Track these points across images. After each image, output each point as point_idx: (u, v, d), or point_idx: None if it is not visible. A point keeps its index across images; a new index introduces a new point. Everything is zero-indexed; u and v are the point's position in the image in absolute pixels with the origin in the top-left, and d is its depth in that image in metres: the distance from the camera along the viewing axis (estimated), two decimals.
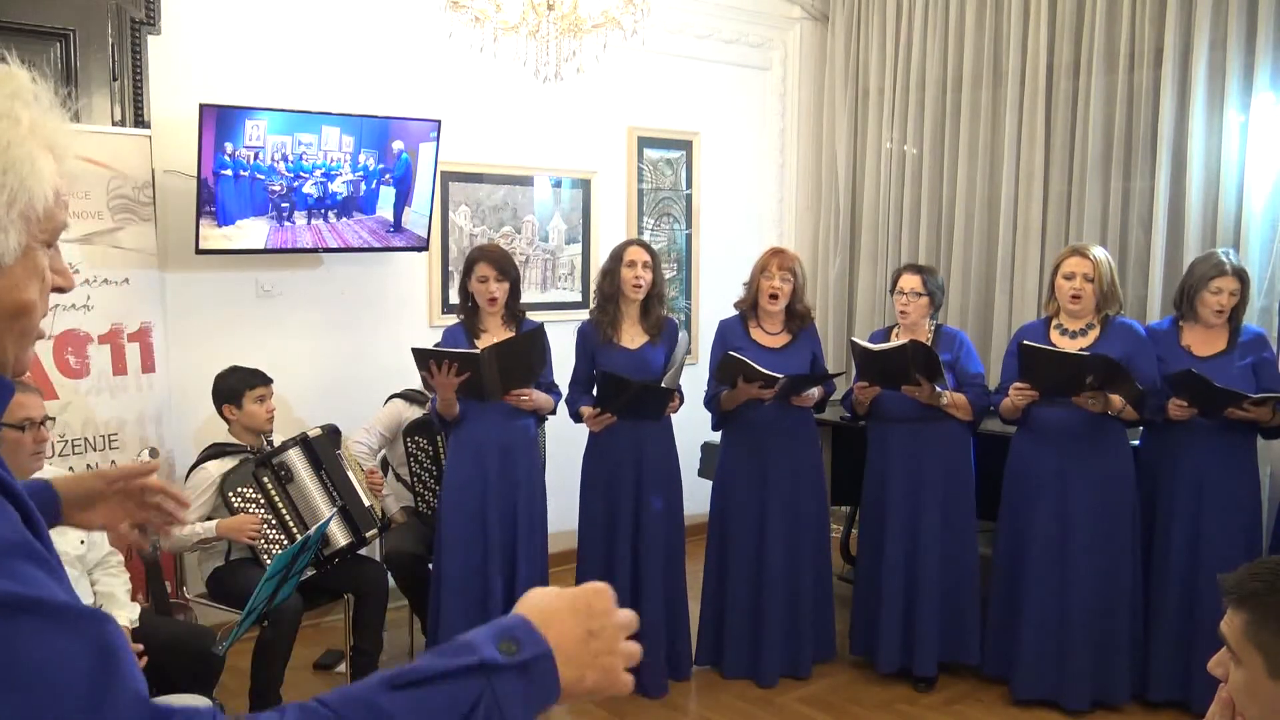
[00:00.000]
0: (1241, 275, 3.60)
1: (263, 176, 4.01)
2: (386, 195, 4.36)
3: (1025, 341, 3.63)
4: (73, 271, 0.88)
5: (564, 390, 3.88)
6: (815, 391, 3.91)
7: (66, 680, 0.70)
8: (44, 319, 0.89)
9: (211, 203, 3.89)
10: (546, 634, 0.84)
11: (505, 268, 3.65)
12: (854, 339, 3.97)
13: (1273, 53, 4.21)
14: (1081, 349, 3.64)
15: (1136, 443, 3.81)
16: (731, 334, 3.95)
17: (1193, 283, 3.64)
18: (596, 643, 0.84)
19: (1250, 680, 1.29)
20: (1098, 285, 3.65)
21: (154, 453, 3.65)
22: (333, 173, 4.18)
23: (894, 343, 3.80)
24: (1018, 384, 3.64)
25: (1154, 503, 3.71)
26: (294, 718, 0.77)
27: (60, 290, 0.91)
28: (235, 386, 3.61)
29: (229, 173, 3.91)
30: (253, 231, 4.04)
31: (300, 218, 4.14)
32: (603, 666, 0.84)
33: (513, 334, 3.67)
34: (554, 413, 3.83)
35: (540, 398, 3.69)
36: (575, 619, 0.85)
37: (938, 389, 3.75)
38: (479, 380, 3.47)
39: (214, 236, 3.95)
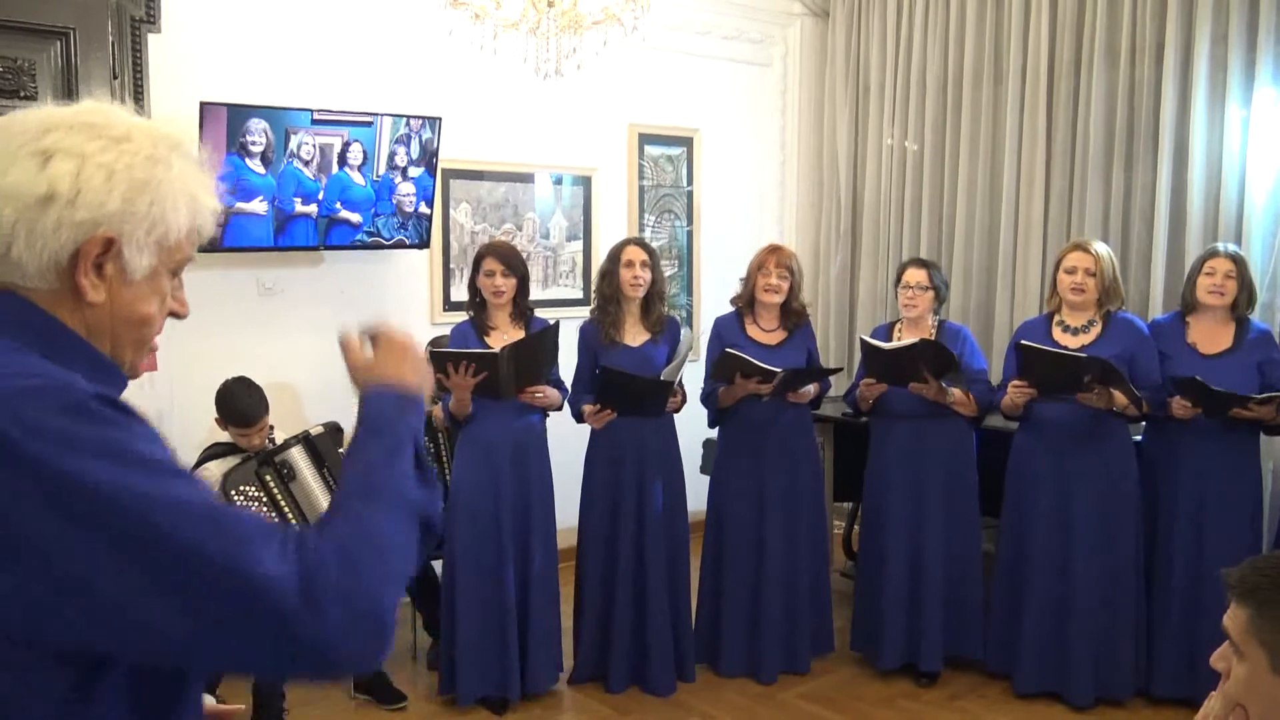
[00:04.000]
0: (1236, 259, 3.60)
1: (263, 174, 4.01)
2: (387, 192, 4.36)
3: (1023, 341, 3.64)
4: None
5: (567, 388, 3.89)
6: (812, 388, 3.91)
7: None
8: (158, 335, 1.09)
9: None
10: (405, 382, 1.21)
11: (511, 263, 3.66)
12: (864, 337, 3.97)
13: (1274, 48, 4.20)
14: (1083, 345, 3.64)
15: (1139, 438, 3.81)
16: (728, 331, 3.96)
17: (1191, 270, 3.69)
18: (413, 363, 1.24)
19: (1252, 675, 1.29)
20: (1099, 280, 3.65)
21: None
22: (333, 170, 4.18)
23: (904, 341, 3.80)
24: (1015, 382, 3.64)
25: (1156, 498, 3.71)
26: (331, 542, 0.97)
27: (176, 316, 1.11)
28: (247, 412, 3.55)
29: (229, 170, 3.91)
30: (253, 229, 4.04)
31: (301, 215, 4.14)
32: (419, 370, 1.24)
33: (521, 331, 3.68)
34: (560, 408, 3.83)
35: (553, 394, 3.72)
36: (402, 359, 1.23)
37: (945, 385, 3.75)
38: (495, 379, 3.48)
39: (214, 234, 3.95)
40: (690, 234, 5.73)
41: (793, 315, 3.95)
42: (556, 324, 3.67)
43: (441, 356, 3.50)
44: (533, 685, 3.71)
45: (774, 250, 3.95)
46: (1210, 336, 3.63)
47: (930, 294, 3.88)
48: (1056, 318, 3.77)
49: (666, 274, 4.75)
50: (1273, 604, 1.27)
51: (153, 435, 0.96)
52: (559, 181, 5.20)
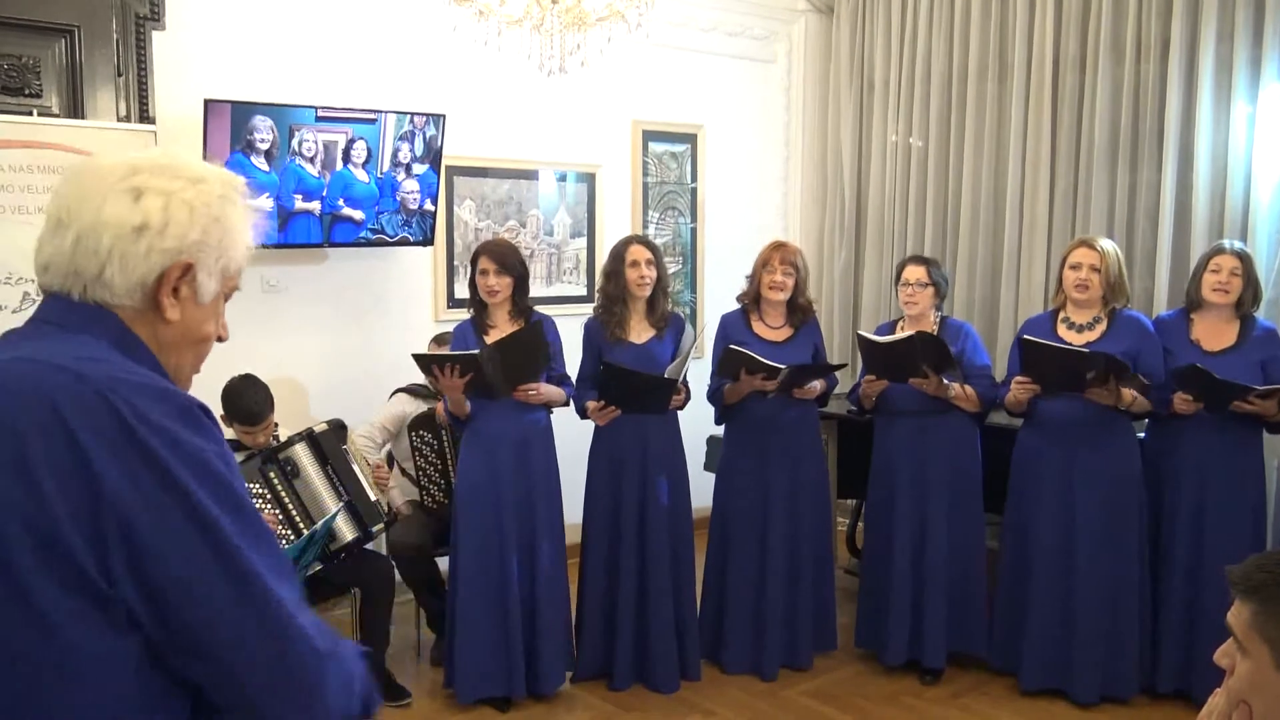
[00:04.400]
0: (1242, 255, 3.59)
1: (267, 171, 4.01)
2: (391, 189, 4.36)
3: (1026, 336, 3.63)
4: None
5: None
6: (818, 384, 3.91)
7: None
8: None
9: None
10: None
11: (506, 262, 3.64)
12: (860, 332, 3.97)
13: None
14: (1088, 342, 3.63)
15: (1142, 435, 3.80)
16: (734, 328, 3.95)
17: (1196, 268, 3.68)
18: None
19: (1256, 672, 1.29)
20: (1104, 276, 3.64)
21: None
22: (337, 167, 4.18)
23: (901, 335, 3.79)
24: (1019, 378, 3.64)
25: (1160, 495, 3.71)
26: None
27: (219, 339, 1.25)
28: (252, 410, 3.54)
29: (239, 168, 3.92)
30: None
31: (304, 212, 4.14)
32: None
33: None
34: (565, 404, 3.82)
35: (550, 391, 3.68)
36: None
37: (945, 380, 3.74)
38: (484, 379, 3.47)
39: None
40: (694, 231, 5.73)
41: (798, 312, 3.95)
42: (539, 321, 3.63)
43: (426, 360, 3.51)
44: (543, 684, 3.68)
45: (779, 247, 3.95)
46: (1214, 333, 3.62)
47: (930, 290, 3.88)
48: (1061, 314, 3.77)
49: (670, 271, 4.75)
50: (1276, 600, 1.27)
51: (228, 456, 1.12)
52: (563, 178, 5.20)
